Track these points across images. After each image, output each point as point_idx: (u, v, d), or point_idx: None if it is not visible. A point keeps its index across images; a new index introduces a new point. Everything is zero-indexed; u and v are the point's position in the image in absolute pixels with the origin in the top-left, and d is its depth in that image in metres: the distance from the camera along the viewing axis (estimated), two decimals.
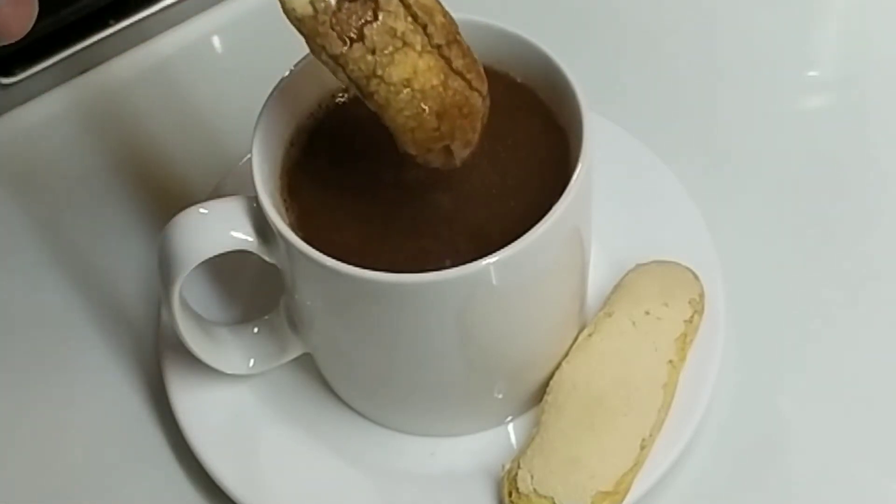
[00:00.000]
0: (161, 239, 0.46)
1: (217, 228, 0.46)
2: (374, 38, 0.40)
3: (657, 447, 0.48)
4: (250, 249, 0.46)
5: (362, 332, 0.47)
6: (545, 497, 0.47)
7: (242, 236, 0.45)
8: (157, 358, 0.53)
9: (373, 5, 0.40)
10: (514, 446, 0.50)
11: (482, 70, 0.43)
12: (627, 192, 0.55)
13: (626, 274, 0.52)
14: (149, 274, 0.57)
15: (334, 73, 0.41)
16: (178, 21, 0.66)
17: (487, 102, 0.44)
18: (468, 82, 0.42)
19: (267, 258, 0.46)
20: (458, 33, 0.42)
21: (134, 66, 0.65)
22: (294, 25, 0.40)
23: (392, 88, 0.41)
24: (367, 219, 0.46)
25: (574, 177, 0.44)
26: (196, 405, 0.52)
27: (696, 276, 0.52)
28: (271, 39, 0.67)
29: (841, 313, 0.54)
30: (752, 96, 0.62)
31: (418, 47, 0.41)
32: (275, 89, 0.47)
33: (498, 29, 0.48)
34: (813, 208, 0.58)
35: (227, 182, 0.56)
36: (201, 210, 0.46)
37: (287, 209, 0.46)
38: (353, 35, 0.40)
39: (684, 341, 0.50)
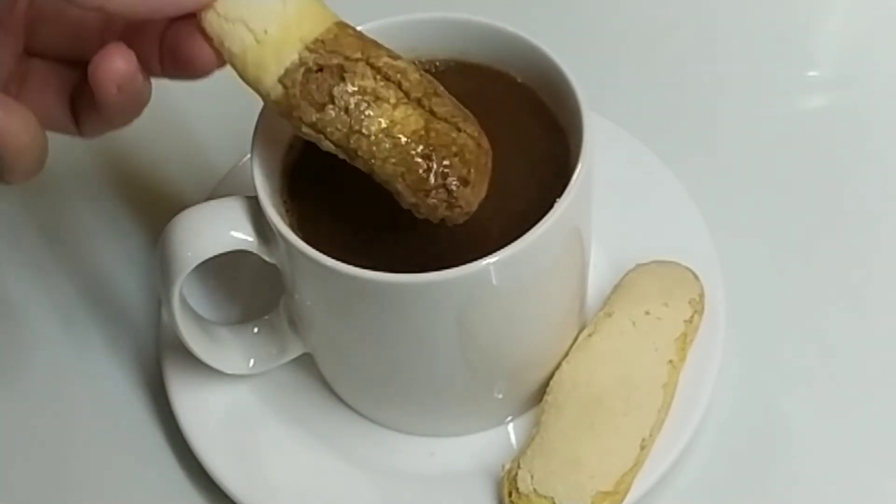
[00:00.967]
0: (161, 239, 0.46)
1: (217, 228, 0.46)
2: (344, 98, 0.41)
3: (657, 447, 0.48)
4: (250, 249, 0.46)
5: (362, 332, 0.47)
6: (545, 497, 0.47)
7: (242, 236, 0.45)
8: (157, 358, 0.53)
9: (339, 71, 0.41)
10: (514, 446, 0.50)
11: (471, 115, 0.43)
12: (627, 192, 0.55)
13: (626, 274, 0.52)
14: (149, 274, 0.57)
15: (319, 143, 0.42)
16: None
17: (486, 147, 0.43)
18: (454, 125, 0.42)
19: (267, 258, 0.46)
20: (438, 88, 0.43)
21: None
22: (274, 110, 0.42)
23: (373, 139, 0.41)
24: (366, 219, 0.46)
25: (574, 177, 0.44)
26: (196, 405, 0.52)
27: (696, 276, 0.52)
28: None
29: (841, 313, 0.54)
30: (752, 96, 0.62)
31: (392, 100, 0.42)
32: None
33: (498, 29, 0.48)
34: (813, 208, 0.58)
35: (226, 182, 0.56)
36: (201, 210, 0.46)
37: (287, 209, 0.46)
38: (323, 100, 0.41)
39: (684, 341, 0.50)
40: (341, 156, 0.42)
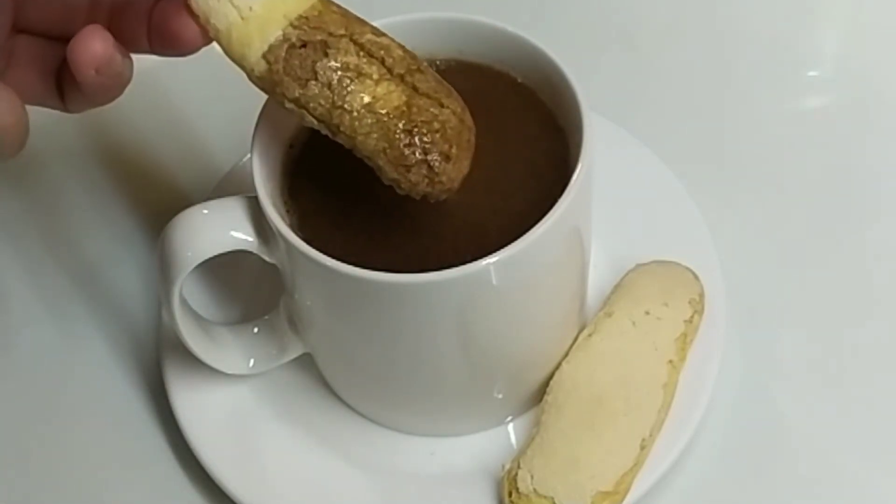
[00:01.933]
0: (161, 239, 0.46)
1: (217, 228, 0.46)
2: (327, 73, 0.42)
3: (657, 447, 0.48)
4: (250, 249, 0.46)
5: (362, 332, 0.47)
6: (545, 497, 0.47)
7: (242, 236, 0.45)
8: (157, 358, 0.53)
9: (322, 47, 0.42)
10: (514, 446, 0.50)
11: (454, 91, 0.44)
12: (628, 192, 0.55)
13: (626, 274, 0.52)
14: (149, 274, 0.57)
15: (302, 119, 0.43)
16: None
17: (469, 123, 0.44)
18: (437, 101, 0.43)
19: (267, 258, 0.46)
20: (422, 64, 0.43)
21: (134, 66, 0.65)
22: (258, 86, 0.43)
23: (355, 115, 0.42)
24: (366, 219, 0.46)
25: (574, 177, 0.44)
26: (196, 405, 0.52)
27: (696, 276, 0.52)
28: None
29: (841, 313, 0.54)
30: (752, 96, 0.62)
31: (375, 76, 0.42)
32: None
33: (498, 29, 0.48)
34: (813, 208, 0.58)
35: (226, 182, 0.56)
36: (201, 210, 0.46)
37: (287, 209, 0.46)
38: (306, 76, 0.42)
39: (684, 341, 0.50)
40: (324, 131, 0.43)
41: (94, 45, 0.42)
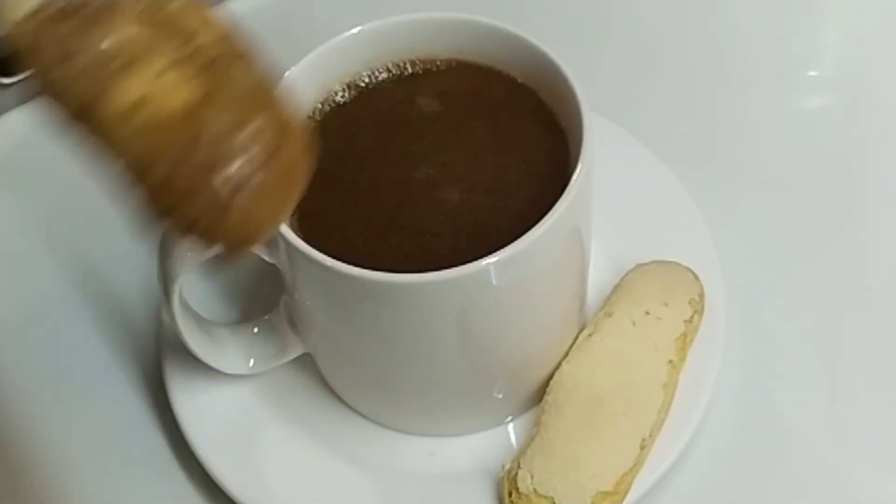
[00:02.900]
0: (161, 239, 0.46)
1: None
2: (93, 52, 0.30)
3: (657, 447, 0.48)
4: None
5: (362, 332, 0.47)
6: (545, 497, 0.47)
7: None
8: (157, 358, 0.53)
9: (96, 16, 0.31)
10: (514, 446, 0.50)
11: (284, 99, 0.32)
12: (627, 192, 0.55)
13: (626, 274, 0.52)
14: (149, 274, 0.57)
15: (55, 109, 0.32)
16: None
17: (299, 141, 0.31)
18: (251, 104, 0.31)
19: (267, 258, 0.46)
20: (248, 53, 0.32)
21: None
22: (15, 56, 0.32)
23: (119, 111, 0.31)
24: (366, 219, 0.46)
25: (574, 177, 0.44)
26: (196, 405, 0.52)
27: (696, 276, 0.52)
28: (271, 40, 0.67)
29: (841, 313, 0.54)
30: (752, 96, 0.62)
31: (161, 62, 0.31)
32: None
33: (498, 29, 0.48)
34: (813, 208, 0.58)
35: None
36: None
37: None
38: (67, 52, 0.31)
39: (684, 341, 0.50)
40: (77, 128, 0.32)
41: None
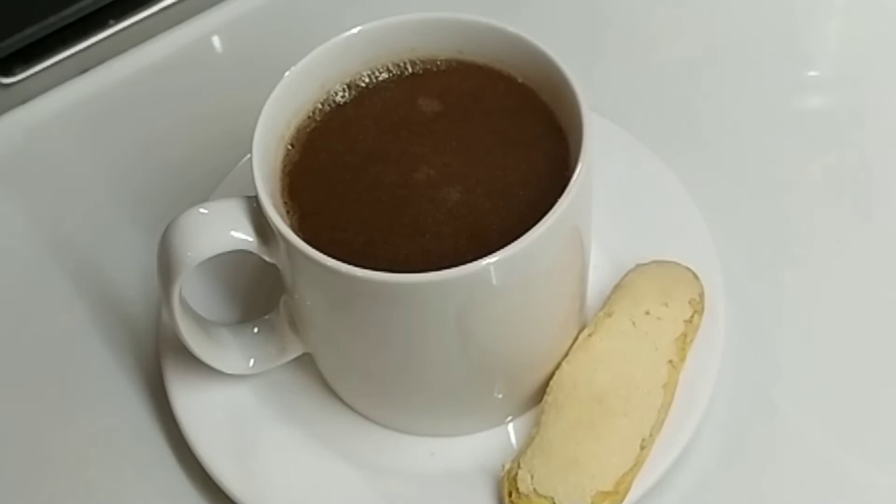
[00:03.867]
0: (161, 239, 0.46)
1: (217, 228, 0.46)
2: None
3: (657, 447, 0.48)
4: (250, 249, 0.46)
5: (362, 332, 0.47)
6: (545, 497, 0.47)
7: (242, 236, 0.45)
8: (157, 358, 0.53)
9: None
10: (514, 446, 0.50)
11: None
12: (627, 192, 0.55)
13: (626, 274, 0.52)
14: (149, 274, 0.57)
15: None
16: (178, 21, 0.66)
17: None
18: None
19: (267, 258, 0.46)
20: None
21: (134, 66, 0.65)
22: None
23: None
24: (366, 219, 0.46)
25: (574, 177, 0.44)
26: (196, 405, 0.52)
27: (696, 276, 0.52)
28: (271, 40, 0.67)
29: (841, 313, 0.54)
30: (752, 96, 0.62)
31: None
32: (274, 90, 0.47)
33: (498, 29, 0.48)
34: (813, 208, 0.58)
35: (227, 182, 0.56)
36: (201, 210, 0.46)
37: (287, 210, 0.46)
38: None
39: (684, 341, 0.50)
40: None
41: None
